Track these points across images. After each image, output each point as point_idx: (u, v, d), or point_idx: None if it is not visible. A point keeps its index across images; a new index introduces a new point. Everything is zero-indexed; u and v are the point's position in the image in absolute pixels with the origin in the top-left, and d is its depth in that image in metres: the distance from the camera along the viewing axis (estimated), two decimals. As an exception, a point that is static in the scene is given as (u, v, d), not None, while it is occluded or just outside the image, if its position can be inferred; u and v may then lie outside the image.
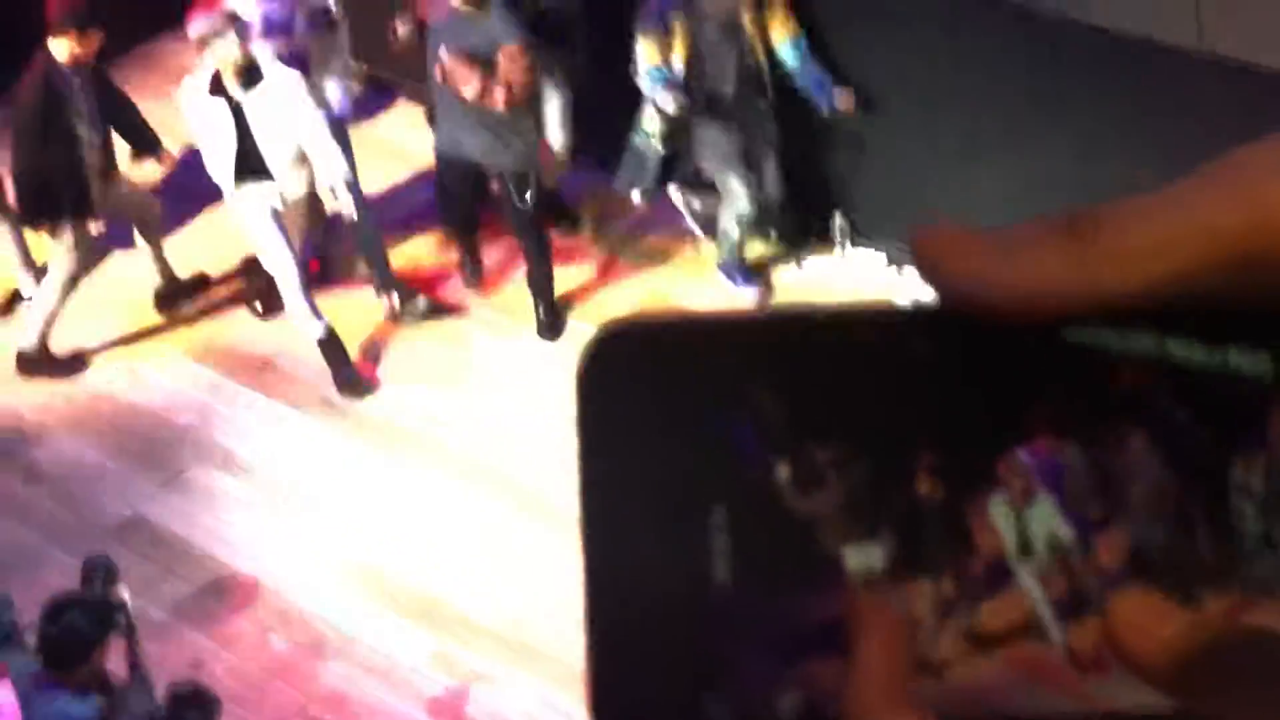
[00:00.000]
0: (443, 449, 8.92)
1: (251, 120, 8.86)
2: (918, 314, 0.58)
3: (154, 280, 9.75)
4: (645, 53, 8.85)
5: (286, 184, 9.04)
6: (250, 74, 8.82)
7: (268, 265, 9.22)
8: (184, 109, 9.05)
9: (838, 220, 9.70)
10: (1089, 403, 0.57)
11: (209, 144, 8.99)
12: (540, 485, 8.44)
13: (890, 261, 9.62)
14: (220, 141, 8.91)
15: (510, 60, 8.74)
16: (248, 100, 8.82)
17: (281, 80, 8.89)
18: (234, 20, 8.86)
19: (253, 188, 9.00)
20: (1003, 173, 8.96)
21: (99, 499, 8.85)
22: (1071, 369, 0.56)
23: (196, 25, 8.82)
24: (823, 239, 9.77)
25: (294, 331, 9.53)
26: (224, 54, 8.75)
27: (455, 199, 9.52)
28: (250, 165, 8.92)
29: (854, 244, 9.73)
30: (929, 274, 0.56)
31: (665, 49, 8.83)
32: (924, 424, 0.57)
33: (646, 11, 8.87)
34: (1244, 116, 7.74)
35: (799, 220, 9.69)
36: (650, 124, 9.03)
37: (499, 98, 8.82)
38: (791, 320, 0.59)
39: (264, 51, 9.04)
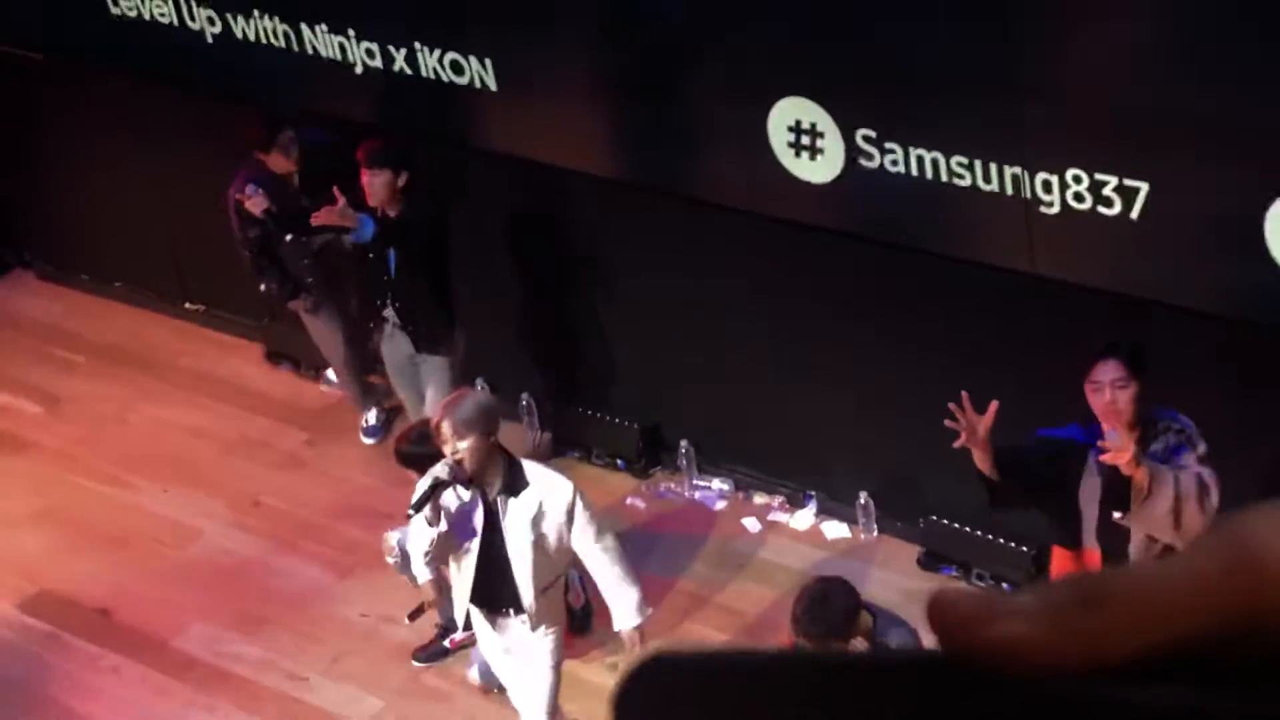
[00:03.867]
0: (282, 698, 8.72)
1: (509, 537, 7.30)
2: (934, 662, 0.59)
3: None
4: None
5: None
6: (513, 477, 7.29)
7: None
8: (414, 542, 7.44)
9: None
10: None
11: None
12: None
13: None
14: (463, 574, 7.43)
15: None
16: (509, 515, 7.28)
17: (551, 487, 7.33)
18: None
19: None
20: (849, 388, 9.06)
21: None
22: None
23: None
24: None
25: (130, 578, 9.39)
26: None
27: None
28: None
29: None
30: (948, 640, 0.60)
31: None
32: None
33: None
34: (1069, 328, 7.93)
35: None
36: None
37: None
38: (816, 664, 0.60)
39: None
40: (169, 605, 9.34)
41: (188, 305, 11.81)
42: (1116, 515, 6.89)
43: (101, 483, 10.39)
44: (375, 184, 8.84)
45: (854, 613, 6.62)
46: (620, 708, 0.60)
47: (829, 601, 6.59)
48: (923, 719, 0.59)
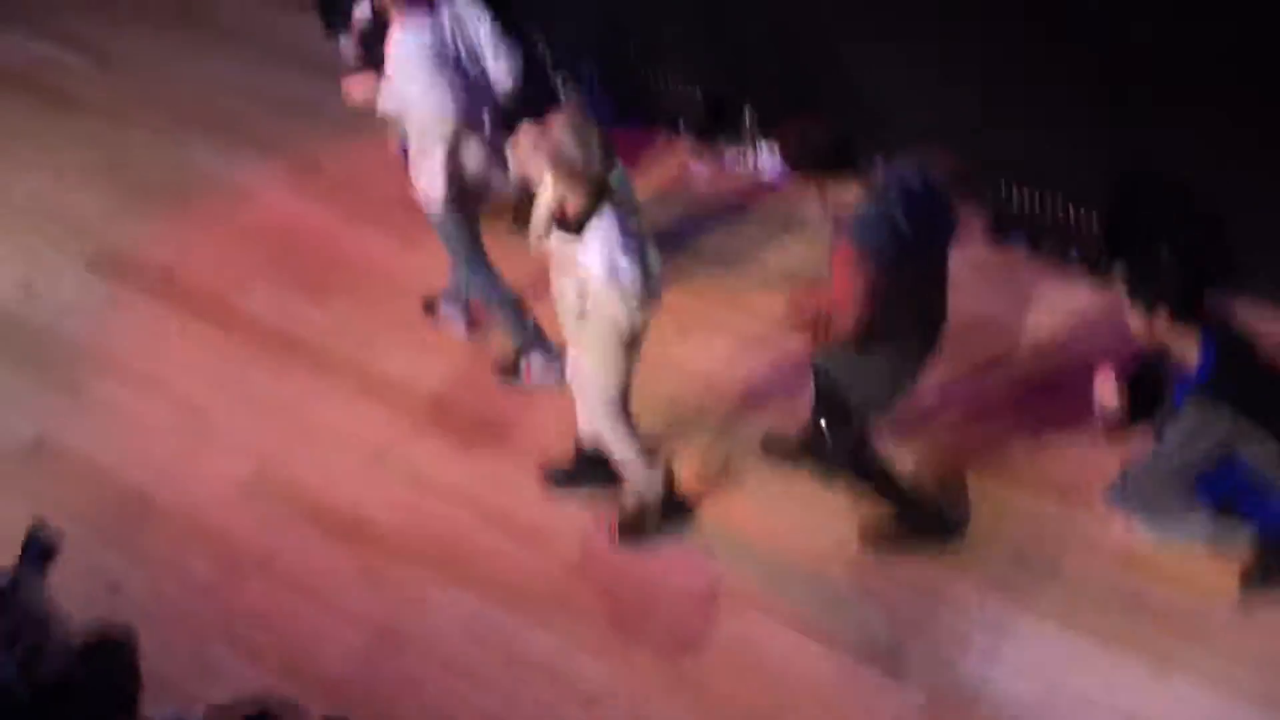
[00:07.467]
0: (350, 363, 8.79)
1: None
2: None
3: None
4: None
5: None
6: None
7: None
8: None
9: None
10: None
11: None
12: (440, 396, 8.41)
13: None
14: None
15: None
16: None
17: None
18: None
19: None
20: (910, 51, 8.95)
21: (5, 419, 8.64)
22: None
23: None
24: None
25: (192, 237, 9.43)
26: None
27: None
28: None
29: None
30: None
31: None
32: None
33: None
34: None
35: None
36: None
37: None
38: None
39: None
40: (233, 265, 9.34)
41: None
42: None
43: (158, 140, 10.31)
44: None
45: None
46: None
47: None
48: None
